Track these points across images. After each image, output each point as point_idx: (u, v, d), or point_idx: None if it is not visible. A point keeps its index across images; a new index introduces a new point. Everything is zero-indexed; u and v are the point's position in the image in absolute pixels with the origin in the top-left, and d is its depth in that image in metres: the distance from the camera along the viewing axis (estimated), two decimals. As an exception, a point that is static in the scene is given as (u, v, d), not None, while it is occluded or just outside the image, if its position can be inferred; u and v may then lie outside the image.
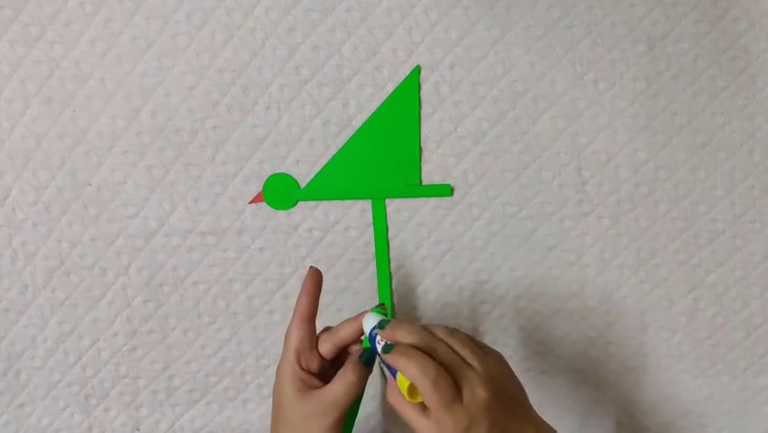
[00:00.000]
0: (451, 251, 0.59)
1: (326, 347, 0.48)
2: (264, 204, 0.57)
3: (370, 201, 0.57)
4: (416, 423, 0.42)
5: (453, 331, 0.45)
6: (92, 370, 0.59)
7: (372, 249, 0.58)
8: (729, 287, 0.60)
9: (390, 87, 0.56)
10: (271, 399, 0.49)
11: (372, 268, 0.59)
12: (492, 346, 0.60)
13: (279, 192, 0.57)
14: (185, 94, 0.54)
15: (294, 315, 0.48)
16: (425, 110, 0.56)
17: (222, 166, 0.56)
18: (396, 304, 0.59)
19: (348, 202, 0.57)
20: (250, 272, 0.58)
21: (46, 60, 0.53)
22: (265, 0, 0.54)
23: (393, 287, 0.59)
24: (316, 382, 0.46)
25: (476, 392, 0.41)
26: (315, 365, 0.47)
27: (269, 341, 0.59)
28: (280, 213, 0.57)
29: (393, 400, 0.43)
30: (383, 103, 0.56)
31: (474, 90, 0.56)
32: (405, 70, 0.55)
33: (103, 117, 0.54)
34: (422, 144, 0.57)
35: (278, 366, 0.48)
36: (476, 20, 0.55)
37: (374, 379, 0.61)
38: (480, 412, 0.41)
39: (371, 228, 0.58)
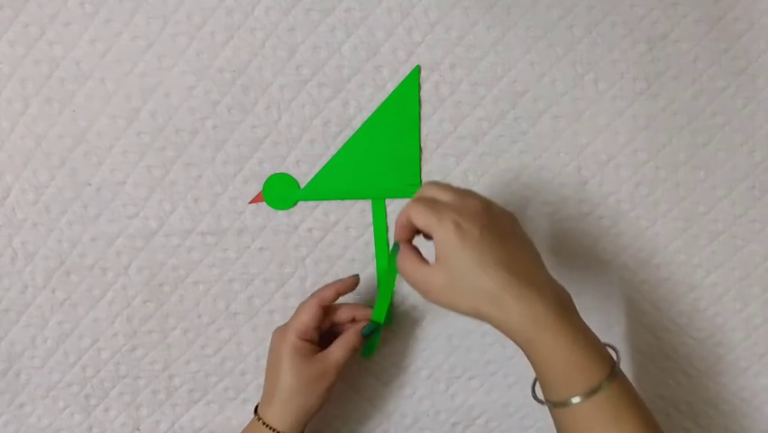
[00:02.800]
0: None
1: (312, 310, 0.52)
2: (264, 204, 0.57)
3: (370, 201, 0.57)
4: (422, 270, 0.44)
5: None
6: (92, 370, 0.59)
7: (372, 249, 0.58)
8: (729, 287, 0.60)
9: (390, 87, 0.56)
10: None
11: (372, 268, 0.59)
12: (492, 346, 0.60)
13: (279, 192, 0.57)
14: (185, 94, 0.54)
15: (313, 296, 0.52)
16: (425, 110, 0.56)
17: (222, 166, 0.56)
18: (396, 304, 0.59)
19: (348, 202, 0.57)
20: (250, 272, 0.58)
21: (46, 60, 0.53)
22: (265, 0, 0.54)
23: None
24: (312, 347, 0.51)
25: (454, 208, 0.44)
26: (315, 340, 0.53)
27: (268, 341, 0.59)
28: (280, 213, 0.57)
29: (402, 266, 0.45)
30: (383, 103, 0.56)
31: (474, 90, 0.56)
32: (405, 70, 0.55)
33: (103, 117, 0.55)
34: (422, 144, 0.57)
35: (278, 335, 0.52)
36: (476, 20, 0.55)
37: (373, 381, 0.61)
38: (466, 215, 0.43)
39: (371, 228, 0.58)
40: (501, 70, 0.56)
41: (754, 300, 0.60)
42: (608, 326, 0.60)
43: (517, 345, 0.43)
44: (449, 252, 0.42)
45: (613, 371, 0.42)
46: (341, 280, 0.54)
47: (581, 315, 0.45)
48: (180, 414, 0.60)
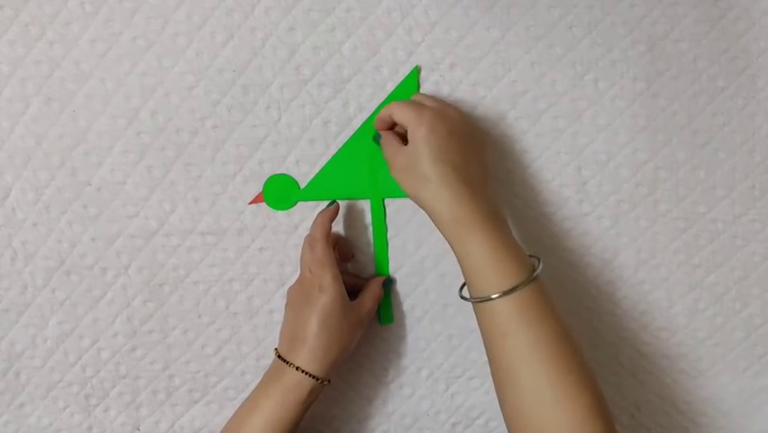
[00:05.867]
0: (451, 251, 0.58)
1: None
2: (264, 204, 0.57)
3: (369, 201, 0.57)
4: (396, 147, 0.51)
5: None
6: (92, 370, 0.59)
7: (372, 249, 0.58)
8: (729, 287, 0.60)
9: (390, 87, 0.56)
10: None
11: (372, 268, 0.59)
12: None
13: (279, 192, 0.57)
14: (185, 94, 0.54)
15: (321, 239, 0.53)
16: (425, 110, 0.56)
17: (222, 166, 0.56)
18: (396, 304, 0.59)
19: (348, 202, 0.57)
20: (250, 272, 0.58)
21: (46, 60, 0.53)
22: (265, 0, 0.54)
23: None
24: (347, 296, 0.53)
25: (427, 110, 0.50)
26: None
27: (269, 341, 0.59)
28: (280, 213, 0.57)
29: (383, 143, 0.53)
30: (383, 103, 0.56)
31: (474, 90, 0.56)
32: (405, 70, 0.55)
33: (103, 117, 0.55)
34: (422, 144, 0.56)
35: (326, 284, 0.52)
36: (476, 20, 0.55)
37: (373, 381, 0.61)
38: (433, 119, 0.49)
39: (371, 228, 0.58)
40: (501, 70, 0.56)
41: (753, 300, 0.60)
42: (607, 325, 0.60)
43: (446, 240, 0.49)
44: (416, 138, 0.48)
45: (530, 278, 0.46)
46: (323, 211, 0.55)
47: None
48: (180, 414, 0.60)
